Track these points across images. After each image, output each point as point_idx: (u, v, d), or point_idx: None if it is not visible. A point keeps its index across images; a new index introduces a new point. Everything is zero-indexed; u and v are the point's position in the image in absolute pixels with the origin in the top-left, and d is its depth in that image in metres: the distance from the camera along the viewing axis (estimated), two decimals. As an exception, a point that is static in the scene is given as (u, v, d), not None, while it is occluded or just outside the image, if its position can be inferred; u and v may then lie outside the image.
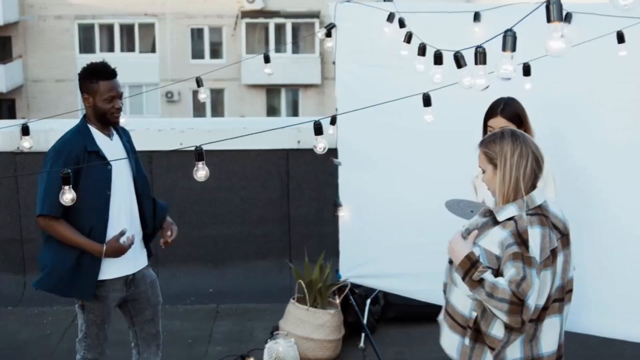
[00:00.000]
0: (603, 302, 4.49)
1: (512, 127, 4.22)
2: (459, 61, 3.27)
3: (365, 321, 5.67)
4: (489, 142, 3.33)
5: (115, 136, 4.15)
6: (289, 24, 30.24)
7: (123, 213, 4.09)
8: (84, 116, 4.10)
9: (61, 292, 4.19)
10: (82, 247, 3.99)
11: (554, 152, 4.43)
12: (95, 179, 3.98)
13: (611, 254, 4.42)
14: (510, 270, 3.15)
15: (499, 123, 4.21)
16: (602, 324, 4.52)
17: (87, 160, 3.96)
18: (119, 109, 4.02)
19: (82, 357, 4.20)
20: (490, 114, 4.26)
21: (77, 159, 3.95)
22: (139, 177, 4.22)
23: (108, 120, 4.04)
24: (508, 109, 4.23)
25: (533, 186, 3.28)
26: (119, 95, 4.02)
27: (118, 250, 4.01)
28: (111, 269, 4.09)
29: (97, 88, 3.99)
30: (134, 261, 4.18)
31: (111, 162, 3.97)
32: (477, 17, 4.61)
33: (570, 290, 3.42)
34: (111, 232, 4.04)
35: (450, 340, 3.42)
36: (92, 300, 4.09)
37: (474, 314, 3.29)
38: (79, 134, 4.05)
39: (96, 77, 4.00)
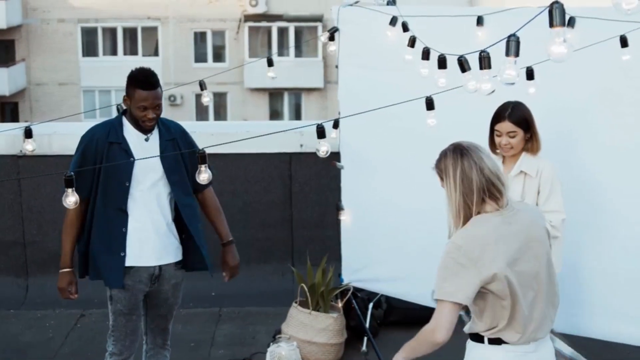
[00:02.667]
0: (606, 305, 4.48)
1: (520, 131, 4.22)
2: (463, 65, 3.27)
3: (367, 325, 5.67)
4: (437, 162, 3.19)
5: (154, 137, 4.17)
6: (291, 27, 30.24)
7: (145, 208, 4.14)
8: (125, 110, 4.18)
9: (92, 276, 4.28)
10: (63, 248, 4.18)
11: (560, 156, 4.43)
12: (115, 168, 4.07)
13: (617, 256, 4.41)
14: None
15: (506, 127, 4.20)
16: (606, 327, 4.51)
17: (108, 150, 4.07)
18: (151, 119, 4.07)
19: (110, 353, 4.29)
20: (498, 118, 4.25)
21: (97, 148, 4.08)
22: (177, 181, 4.21)
23: (140, 127, 4.12)
24: (515, 113, 4.21)
25: (492, 195, 3.05)
26: (153, 106, 4.04)
27: (62, 287, 4.21)
28: (136, 257, 4.15)
29: (133, 95, 4.06)
30: (159, 255, 4.21)
31: (137, 159, 4.05)
32: (480, 21, 4.61)
33: None
34: (131, 221, 4.12)
35: None
36: (119, 290, 4.16)
37: None
38: (106, 124, 4.17)
39: (134, 84, 4.06)
